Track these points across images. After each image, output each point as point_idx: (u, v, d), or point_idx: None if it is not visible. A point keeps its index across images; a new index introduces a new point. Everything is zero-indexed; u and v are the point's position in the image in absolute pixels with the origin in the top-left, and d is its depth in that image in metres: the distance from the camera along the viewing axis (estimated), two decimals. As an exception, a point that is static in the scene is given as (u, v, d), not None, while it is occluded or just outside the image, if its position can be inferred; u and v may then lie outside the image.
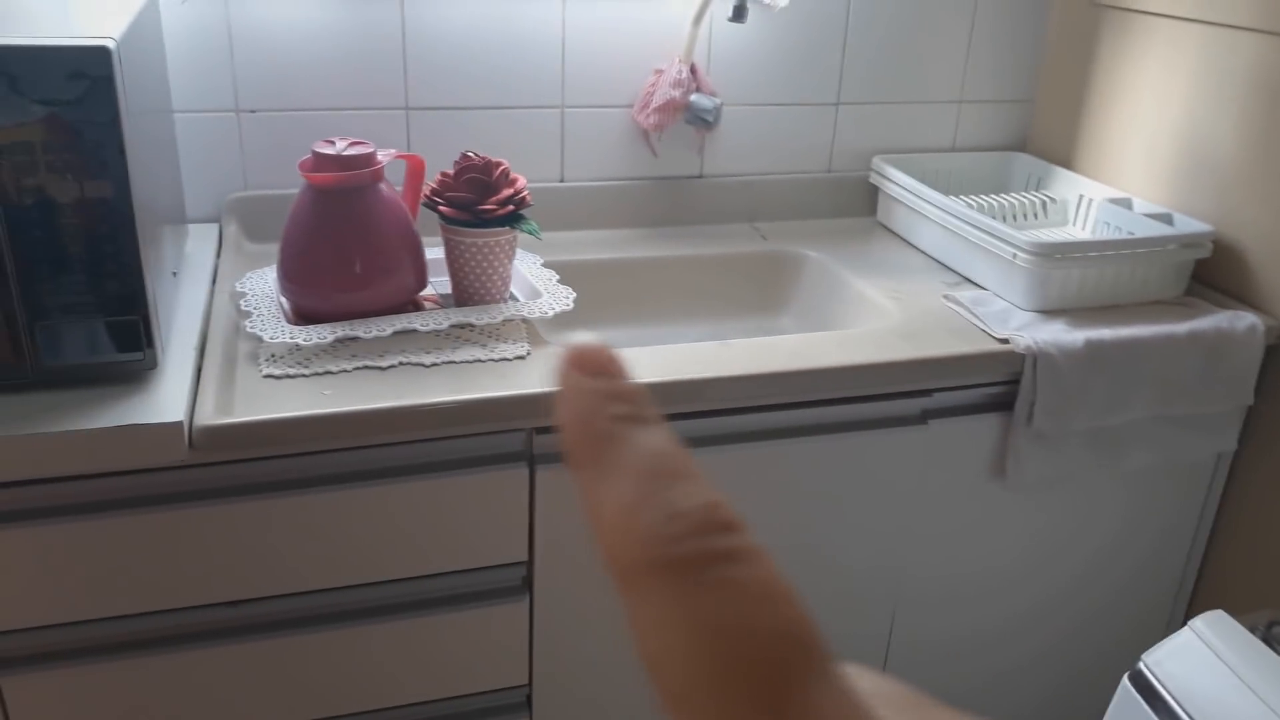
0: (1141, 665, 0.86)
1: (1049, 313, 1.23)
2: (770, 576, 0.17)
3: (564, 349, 0.20)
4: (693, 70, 1.42)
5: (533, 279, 1.22)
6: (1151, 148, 1.42)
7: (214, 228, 1.32)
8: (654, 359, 1.08)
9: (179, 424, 0.89)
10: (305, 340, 1.04)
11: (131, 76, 0.91)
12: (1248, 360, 1.24)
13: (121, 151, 0.87)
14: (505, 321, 1.13)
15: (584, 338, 0.20)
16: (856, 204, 1.57)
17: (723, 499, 0.18)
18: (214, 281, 1.19)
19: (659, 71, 1.43)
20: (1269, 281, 1.27)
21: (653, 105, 1.41)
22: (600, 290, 1.35)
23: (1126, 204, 1.39)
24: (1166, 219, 1.33)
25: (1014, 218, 1.48)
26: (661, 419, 0.19)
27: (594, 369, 0.19)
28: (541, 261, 1.27)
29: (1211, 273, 1.33)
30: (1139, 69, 1.43)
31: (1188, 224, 1.31)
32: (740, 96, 1.48)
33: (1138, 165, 1.44)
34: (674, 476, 0.18)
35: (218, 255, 1.26)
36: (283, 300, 1.12)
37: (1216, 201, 1.33)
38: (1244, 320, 1.23)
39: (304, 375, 1.00)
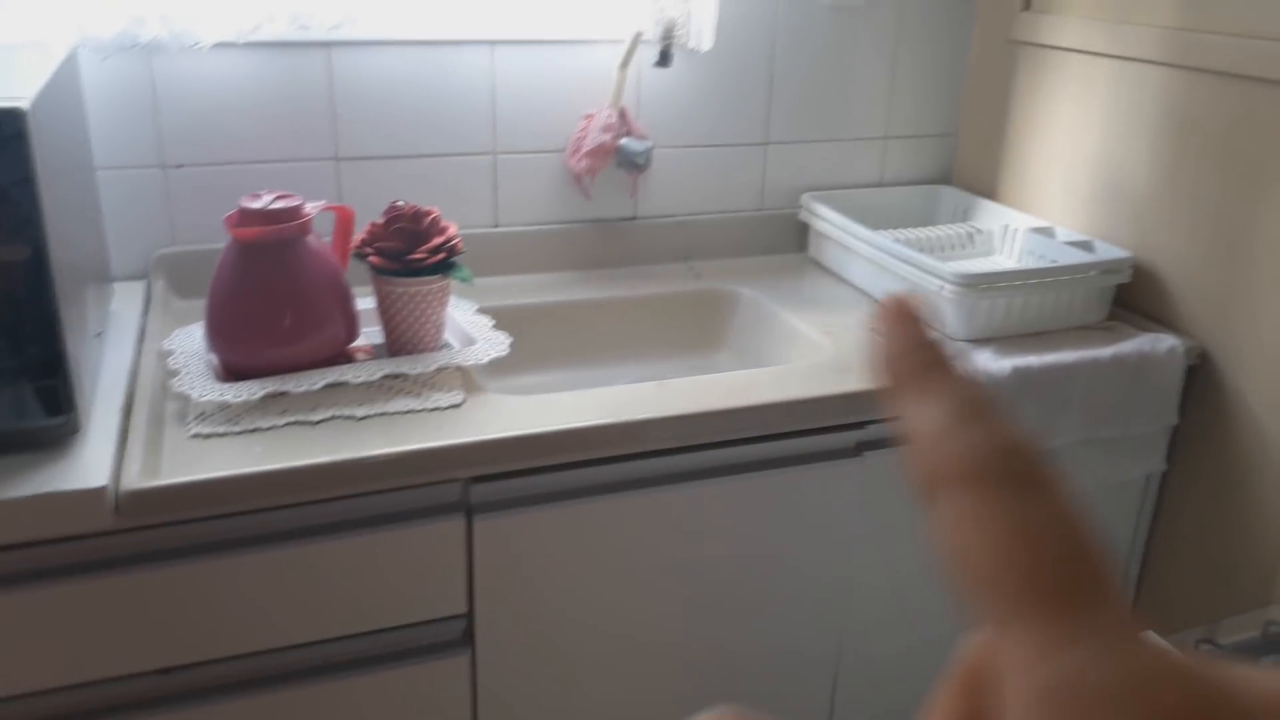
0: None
1: (977, 341, 1.26)
2: (1071, 500, 0.20)
3: (891, 300, 0.24)
4: (622, 114, 1.43)
5: (467, 326, 1.22)
6: (1070, 177, 1.46)
7: (141, 285, 1.30)
8: (593, 401, 1.08)
9: (102, 489, 0.87)
10: (234, 397, 1.02)
11: (47, 136, 0.90)
12: (1170, 381, 1.27)
13: (37, 212, 0.86)
14: (439, 370, 1.12)
15: (905, 292, 0.24)
16: (788, 241, 1.59)
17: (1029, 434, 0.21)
18: (141, 340, 1.17)
19: (589, 116, 1.44)
20: (1186, 303, 1.31)
21: (584, 150, 1.42)
22: (537, 334, 1.35)
23: (1049, 233, 1.43)
24: (1087, 246, 1.37)
25: (942, 249, 1.51)
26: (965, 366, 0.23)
27: (914, 321, 0.23)
28: (476, 308, 1.27)
29: (1132, 297, 1.37)
30: (1055, 102, 1.47)
31: (1108, 250, 1.35)
32: (670, 139, 1.50)
33: (1058, 195, 1.49)
34: (989, 409, 0.21)
35: (145, 313, 1.24)
36: (212, 357, 1.10)
37: (1134, 228, 1.37)
38: (1164, 342, 1.26)
39: (233, 433, 0.99)
